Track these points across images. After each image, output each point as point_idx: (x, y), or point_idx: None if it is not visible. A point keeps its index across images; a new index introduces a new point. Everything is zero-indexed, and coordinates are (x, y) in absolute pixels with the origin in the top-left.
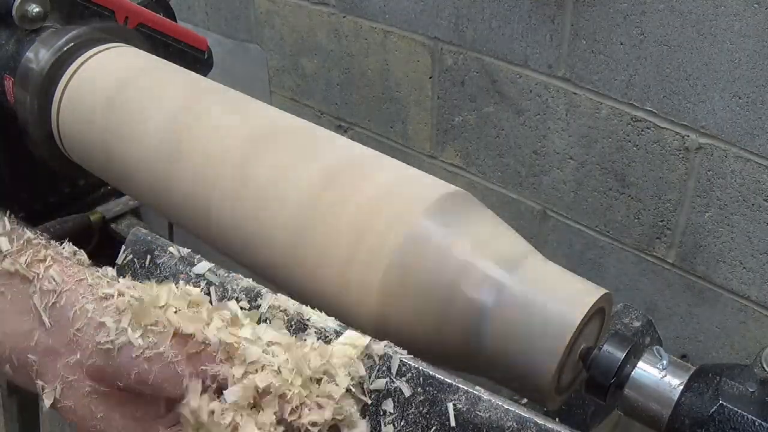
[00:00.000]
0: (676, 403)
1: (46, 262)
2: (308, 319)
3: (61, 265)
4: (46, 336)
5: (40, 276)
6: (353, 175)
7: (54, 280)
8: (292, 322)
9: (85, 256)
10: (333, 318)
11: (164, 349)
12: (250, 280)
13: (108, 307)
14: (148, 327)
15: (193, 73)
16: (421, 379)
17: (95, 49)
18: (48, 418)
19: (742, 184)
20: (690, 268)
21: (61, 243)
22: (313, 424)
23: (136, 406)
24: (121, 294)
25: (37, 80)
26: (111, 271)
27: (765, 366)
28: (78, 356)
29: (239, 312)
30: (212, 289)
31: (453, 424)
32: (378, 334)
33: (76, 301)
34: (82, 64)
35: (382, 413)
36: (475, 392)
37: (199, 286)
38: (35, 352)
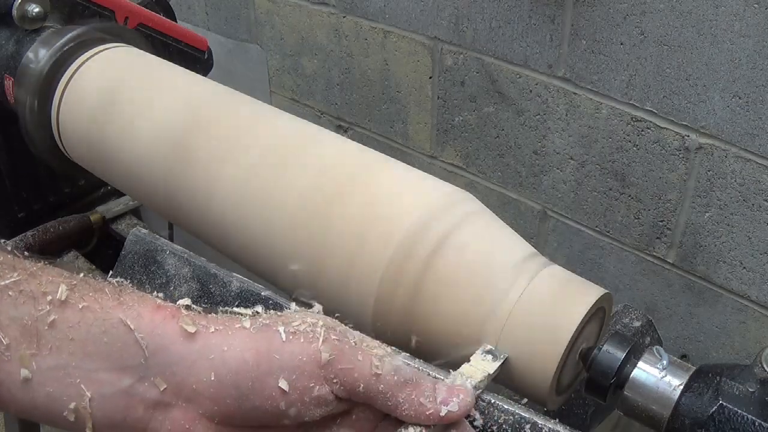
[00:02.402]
0: (676, 404)
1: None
2: None
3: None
4: (149, 388)
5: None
6: (353, 176)
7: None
8: None
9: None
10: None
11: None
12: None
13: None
14: None
15: (193, 73)
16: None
17: (95, 49)
18: None
19: (742, 184)
20: (690, 268)
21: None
22: None
23: None
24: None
25: (37, 80)
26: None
27: (765, 366)
28: (198, 403)
29: None
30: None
31: None
32: (377, 335)
33: (170, 343)
34: (82, 64)
35: None
36: None
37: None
38: (145, 408)
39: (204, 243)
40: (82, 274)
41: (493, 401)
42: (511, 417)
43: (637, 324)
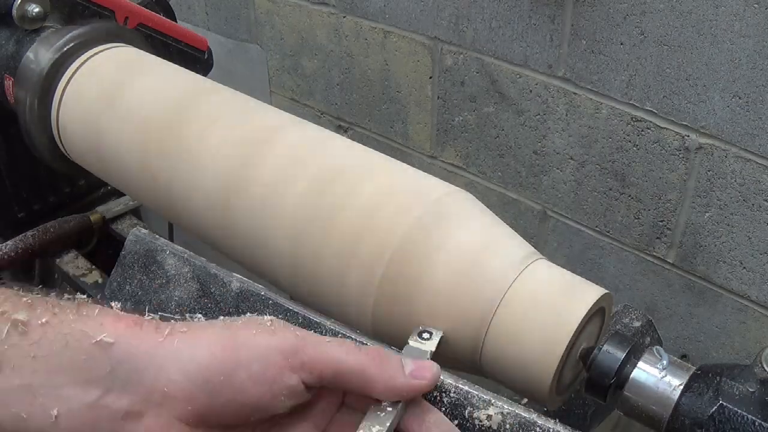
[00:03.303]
0: (676, 404)
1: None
2: None
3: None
4: (117, 398)
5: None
6: (353, 176)
7: (105, 330)
8: None
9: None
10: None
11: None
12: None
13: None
14: None
15: (193, 73)
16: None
17: (95, 49)
18: None
19: (742, 184)
20: (690, 268)
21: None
22: None
23: None
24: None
25: (37, 80)
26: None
27: (765, 366)
28: (170, 407)
29: None
30: None
31: None
32: (375, 336)
33: (136, 349)
34: (82, 64)
35: None
36: None
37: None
38: (114, 420)
39: (203, 243)
40: (35, 292)
41: (492, 401)
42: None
43: (637, 324)
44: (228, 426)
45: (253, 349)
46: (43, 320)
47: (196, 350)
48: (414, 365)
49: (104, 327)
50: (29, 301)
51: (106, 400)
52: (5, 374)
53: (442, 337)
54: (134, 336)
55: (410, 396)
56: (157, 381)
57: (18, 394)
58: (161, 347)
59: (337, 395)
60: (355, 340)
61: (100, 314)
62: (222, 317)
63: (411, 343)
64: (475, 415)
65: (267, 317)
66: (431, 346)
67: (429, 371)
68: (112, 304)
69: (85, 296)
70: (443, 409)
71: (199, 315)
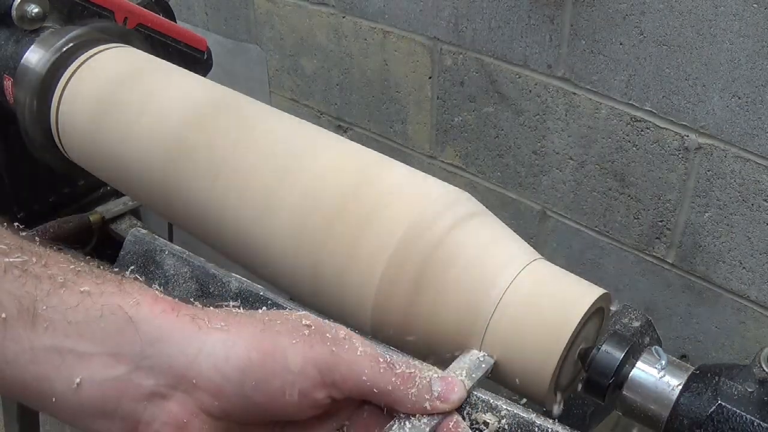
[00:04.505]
0: (674, 404)
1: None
2: None
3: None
4: (144, 378)
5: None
6: (353, 176)
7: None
8: None
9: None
10: None
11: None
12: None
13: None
14: None
15: (192, 74)
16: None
17: (94, 50)
18: (48, 419)
19: (742, 184)
20: (689, 268)
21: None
22: None
23: None
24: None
25: (36, 80)
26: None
27: (764, 366)
28: (197, 397)
29: None
30: None
31: None
32: (375, 333)
33: (169, 335)
34: (82, 64)
35: None
36: None
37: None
38: (137, 398)
39: (203, 243)
40: (86, 260)
41: (492, 401)
42: (511, 418)
43: (636, 324)
44: (248, 423)
45: (291, 360)
46: (85, 288)
47: (232, 350)
48: (441, 386)
49: (140, 306)
50: (77, 268)
51: (132, 377)
52: (38, 333)
53: (492, 365)
54: (170, 321)
55: (434, 413)
56: (189, 371)
57: (47, 354)
58: (196, 339)
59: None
60: None
61: (140, 292)
62: (261, 310)
63: (459, 360)
64: (473, 416)
65: (304, 315)
66: (480, 372)
67: (456, 393)
68: (155, 285)
69: (130, 273)
70: None
71: (235, 305)
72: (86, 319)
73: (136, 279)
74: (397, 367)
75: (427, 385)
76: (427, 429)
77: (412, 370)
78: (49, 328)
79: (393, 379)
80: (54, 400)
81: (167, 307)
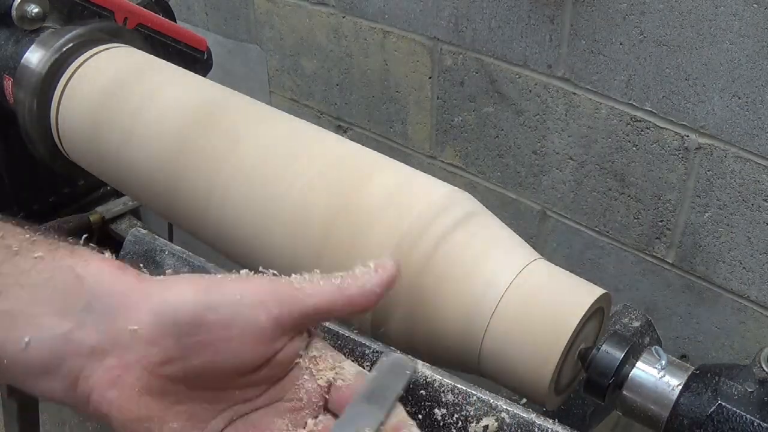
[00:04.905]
0: (674, 404)
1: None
2: None
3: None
4: (87, 334)
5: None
6: (353, 177)
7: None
8: None
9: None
10: None
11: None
12: None
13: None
14: None
15: (192, 74)
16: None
17: (94, 50)
18: (48, 419)
19: (742, 184)
20: (690, 268)
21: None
22: None
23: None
24: None
25: (36, 80)
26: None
27: (764, 366)
28: (135, 350)
29: None
30: None
31: None
32: (374, 335)
33: (112, 288)
34: (82, 64)
35: None
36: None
37: None
38: (80, 355)
39: (203, 243)
40: (39, 233)
41: (492, 401)
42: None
43: (636, 324)
44: (192, 389)
45: (227, 291)
46: (38, 254)
47: (167, 292)
48: (375, 265)
49: (88, 264)
50: (33, 238)
51: (76, 334)
52: None
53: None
54: (115, 276)
55: (380, 291)
56: (127, 321)
57: (0, 318)
58: (137, 289)
59: (320, 397)
60: (354, 339)
61: (90, 254)
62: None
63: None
64: (472, 413)
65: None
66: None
67: (390, 263)
68: (106, 253)
69: (83, 242)
70: (442, 409)
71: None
72: (37, 282)
73: (89, 246)
74: (336, 278)
75: (366, 266)
76: (382, 414)
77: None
78: (2, 294)
79: (330, 287)
80: (5, 362)
81: (114, 265)
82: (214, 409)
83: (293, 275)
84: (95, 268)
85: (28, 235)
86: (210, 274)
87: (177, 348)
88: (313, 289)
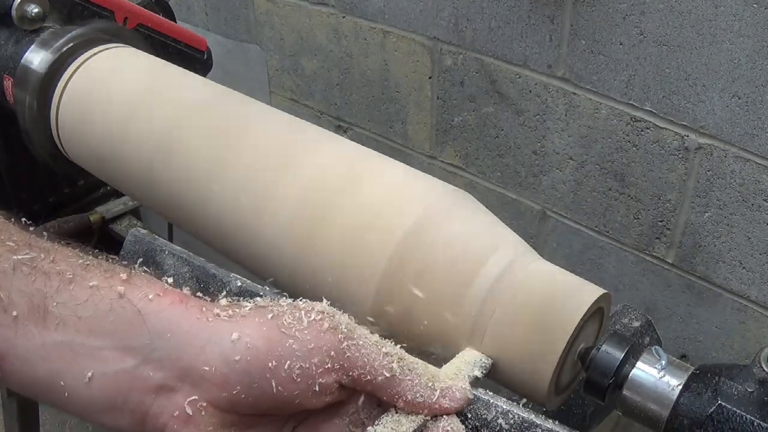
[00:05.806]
0: (674, 404)
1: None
2: None
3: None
4: (152, 371)
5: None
6: (352, 176)
7: (149, 299)
8: None
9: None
10: None
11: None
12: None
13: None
14: None
15: (192, 74)
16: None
17: (94, 50)
18: (48, 419)
19: (742, 184)
20: (689, 268)
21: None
22: None
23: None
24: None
25: (36, 81)
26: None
27: (764, 366)
28: (204, 389)
29: None
30: None
31: None
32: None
33: (177, 326)
34: (82, 64)
35: None
36: None
37: None
38: (146, 391)
39: (203, 242)
40: (93, 254)
41: (492, 401)
42: (511, 418)
43: (636, 324)
44: (258, 416)
45: (297, 346)
46: (93, 283)
47: (239, 340)
48: (446, 385)
49: (149, 298)
50: (86, 263)
51: (141, 370)
52: (49, 329)
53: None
54: (178, 313)
55: (434, 414)
56: (196, 362)
57: (58, 350)
58: (204, 329)
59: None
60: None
61: (148, 285)
62: (270, 299)
63: (456, 361)
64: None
65: (317, 305)
66: (477, 371)
67: (460, 392)
68: (164, 278)
69: (138, 266)
70: None
71: (249, 302)
72: (96, 314)
73: (144, 272)
74: (407, 359)
75: (431, 380)
76: (416, 423)
77: (417, 364)
78: (60, 324)
79: (398, 367)
80: (66, 395)
81: (175, 299)
82: (279, 425)
83: (352, 322)
84: (155, 304)
85: (81, 260)
86: (273, 303)
87: (247, 392)
88: (380, 361)
